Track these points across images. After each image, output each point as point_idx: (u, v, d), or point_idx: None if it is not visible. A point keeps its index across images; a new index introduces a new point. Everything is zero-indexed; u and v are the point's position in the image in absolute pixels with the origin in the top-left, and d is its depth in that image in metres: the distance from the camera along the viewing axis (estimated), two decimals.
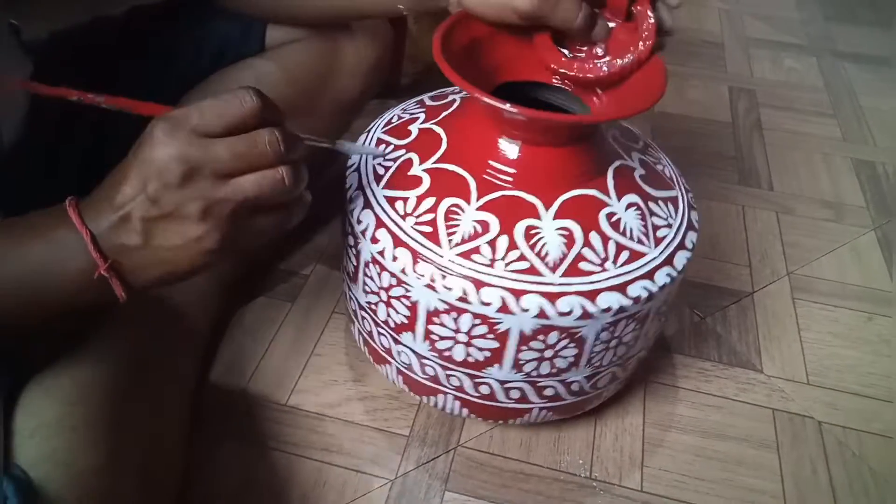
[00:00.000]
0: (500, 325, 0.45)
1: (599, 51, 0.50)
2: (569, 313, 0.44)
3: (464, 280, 0.44)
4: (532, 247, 0.45)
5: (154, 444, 0.47)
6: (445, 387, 0.51)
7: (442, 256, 0.45)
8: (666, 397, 0.63)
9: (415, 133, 0.52)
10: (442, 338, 0.47)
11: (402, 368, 0.53)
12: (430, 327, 0.47)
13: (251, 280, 0.70)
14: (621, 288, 0.45)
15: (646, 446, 0.59)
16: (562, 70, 0.51)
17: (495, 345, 0.46)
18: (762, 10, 1.31)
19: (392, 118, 0.56)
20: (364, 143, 0.54)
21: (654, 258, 0.47)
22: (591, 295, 0.44)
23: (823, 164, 0.93)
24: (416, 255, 0.45)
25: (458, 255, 0.45)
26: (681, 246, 0.48)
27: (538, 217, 0.46)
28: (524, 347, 0.46)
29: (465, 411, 0.53)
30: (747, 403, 0.63)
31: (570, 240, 0.45)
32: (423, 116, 0.54)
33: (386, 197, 0.48)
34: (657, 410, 0.62)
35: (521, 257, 0.44)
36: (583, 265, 0.45)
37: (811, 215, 0.84)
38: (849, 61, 1.16)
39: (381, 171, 0.51)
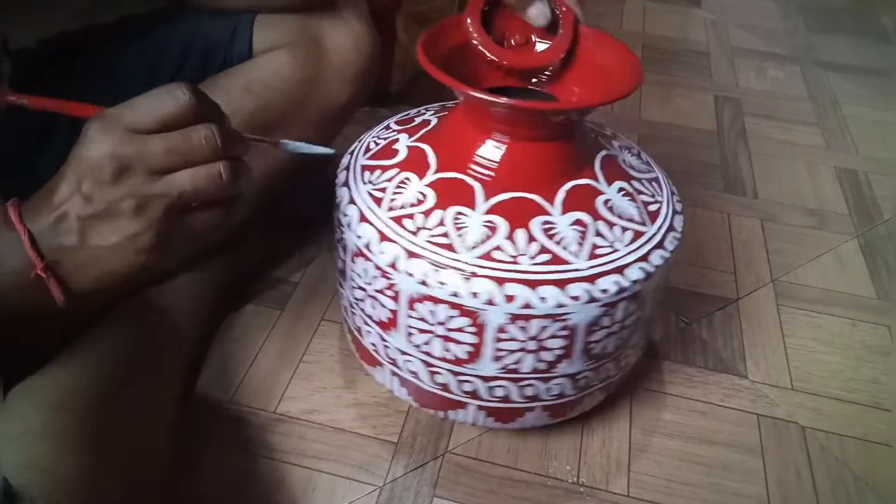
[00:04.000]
0: (569, 318, 0.46)
1: (531, 38, 0.53)
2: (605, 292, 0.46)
3: (490, 282, 0.45)
4: (551, 238, 0.46)
5: (139, 448, 0.47)
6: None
7: (462, 261, 0.45)
8: (652, 403, 0.63)
9: (403, 152, 0.52)
10: (511, 350, 0.48)
11: (397, 371, 0.53)
12: (497, 343, 0.47)
13: (240, 287, 0.70)
14: (641, 260, 0.47)
15: (632, 451, 0.59)
16: (503, 61, 0.52)
17: (564, 343, 0.47)
18: (747, 20, 1.33)
19: (369, 145, 0.56)
20: (351, 165, 0.54)
21: (654, 235, 0.49)
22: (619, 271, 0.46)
23: (807, 172, 0.94)
24: (436, 265, 0.46)
25: (478, 257, 0.45)
26: (671, 228, 0.51)
27: (548, 213, 0.47)
28: (593, 336, 0.48)
29: (544, 416, 0.53)
30: (732, 409, 0.63)
31: (582, 228, 0.47)
32: (405, 136, 0.54)
33: (392, 218, 0.48)
34: (643, 416, 0.62)
35: (543, 250, 0.46)
36: (599, 250, 0.47)
37: (795, 223, 0.85)
38: (832, 71, 1.17)
39: (378, 194, 0.50)
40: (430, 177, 0.49)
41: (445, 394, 0.51)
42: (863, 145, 1.00)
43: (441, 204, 0.48)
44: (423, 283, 0.46)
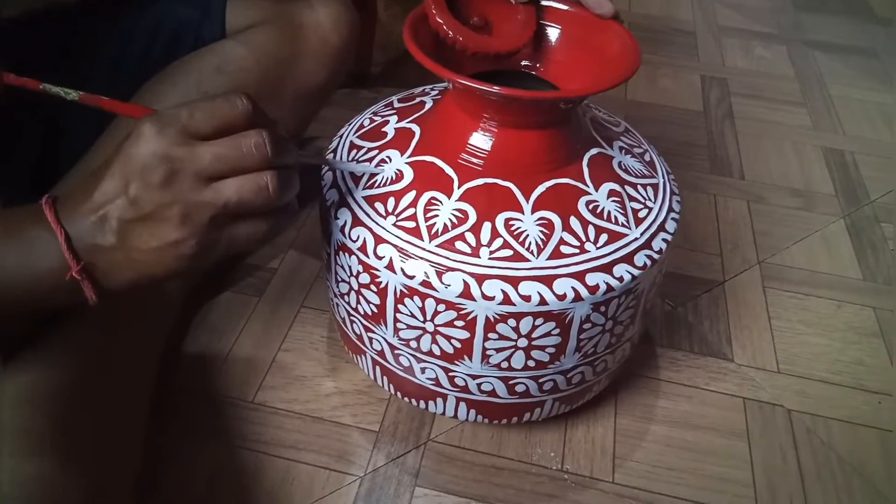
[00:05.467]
0: (567, 315, 0.44)
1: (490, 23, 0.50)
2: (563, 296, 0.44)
3: (458, 273, 0.43)
4: (513, 235, 0.44)
5: (110, 446, 0.45)
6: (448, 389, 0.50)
7: (426, 249, 0.44)
8: (637, 388, 0.63)
9: (391, 133, 0.51)
10: (499, 349, 0.46)
11: (376, 358, 0.52)
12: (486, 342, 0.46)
13: (217, 274, 0.69)
14: (607, 268, 0.45)
15: (617, 437, 0.59)
16: (460, 43, 0.47)
17: (557, 340, 0.46)
18: None
19: (364, 122, 0.55)
20: (339, 148, 0.52)
21: (636, 238, 0.47)
22: (580, 276, 0.44)
23: (794, 152, 0.93)
24: (400, 251, 0.44)
25: (437, 245, 0.44)
26: (661, 229, 0.48)
27: (520, 209, 0.45)
28: (585, 331, 0.46)
29: (475, 415, 0.52)
30: (718, 393, 0.63)
31: (549, 228, 0.45)
32: (395, 119, 0.53)
33: (365, 198, 0.47)
34: (628, 401, 0.61)
35: (505, 245, 0.44)
36: (564, 248, 0.44)
37: (782, 204, 0.85)
38: (818, 50, 1.16)
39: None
40: (406, 158, 0.48)
41: (434, 387, 0.50)
42: (849, 125, 0.99)
43: (415, 185, 0.46)
44: (389, 267, 0.44)
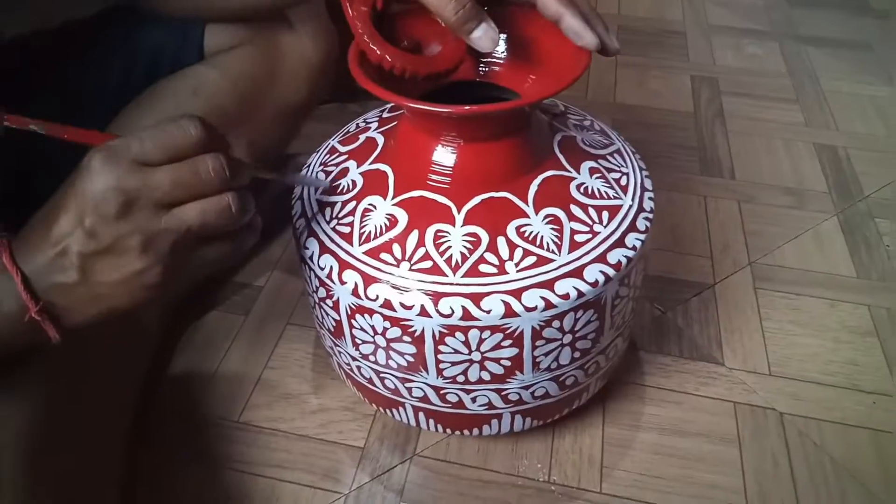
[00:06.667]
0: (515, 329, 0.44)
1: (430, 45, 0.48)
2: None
3: (420, 294, 0.43)
4: (438, 248, 0.44)
5: (88, 465, 0.45)
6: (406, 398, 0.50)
7: (354, 256, 0.44)
8: (625, 395, 0.62)
9: (360, 140, 0.52)
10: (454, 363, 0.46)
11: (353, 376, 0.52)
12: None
13: (203, 293, 0.69)
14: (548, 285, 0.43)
15: (605, 446, 0.58)
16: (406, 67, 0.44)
17: (514, 354, 0.45)
18: None
19: (351, 127, 0.55)
20: (315, 161, 0.53)
21: (563, 265, 0.44)
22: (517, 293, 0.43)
23: (785, 150, 0.92)
24: (339, 260, 0.45)
25: (364, 252, 0.44)
26: (601, 259, 0.45)
27: (451, 221, 0.45)
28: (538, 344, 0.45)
29: (431, 423, 0.52)
30: (708, 398, 0.62)
31: (475, 244, 0.44)
32: (374, 125, 0.53)
33: (318, 201, 0.48)
34: (616, 409, 0.61)
35: (426, 256, 0.43)
36: (483, 267, 0.43)
37: (773, 202, 0.84)
38: (811, 45, 1.15)
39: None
40: (364, 167, 0.49)
41: (397, 398, 0.50)
42: (842, 120, 0.98)
43: (359, 194, 0.47)
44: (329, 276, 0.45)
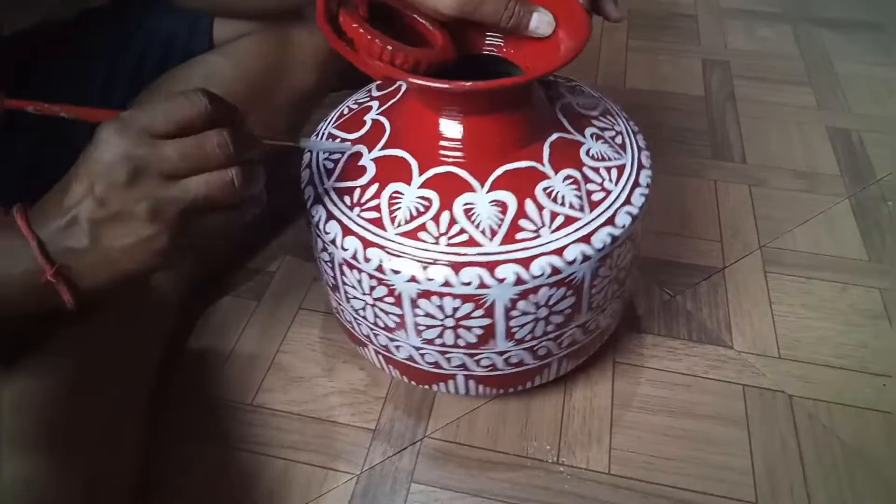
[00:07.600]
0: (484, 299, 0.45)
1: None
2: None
3: (410, 261, 0.44)
4: (470, 220, 0.45)
5: (106, 453, 0.46)
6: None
7: (388, 239, 0.45)
8: (634, 378, 0.62)
9: (368, 124, 0.52)
10: (429, 325, 0.48)
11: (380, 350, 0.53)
12: (417, 315, 0.47)
13: (217, 278, 0.70)
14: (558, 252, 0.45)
15: (614, 428, 0.59)
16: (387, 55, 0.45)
17: (487, 321, 0.47)
18: None
19: (343, 111, 0.56)
20: (321, 139, 0.53)
21: (589, 222, 0.46)
22: (526, 262, 0.44)
23: (797, 133, 0.92)
24: (365, 242, 0.45)
25: (399, 234, 0.45)
26: (610, 222, 0.47)
27: (474, 191, 0.46)
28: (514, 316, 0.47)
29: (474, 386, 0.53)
30: (717, 380, 0.62)
31: (504, 210, 0.45)
32: (375, 105, 0.54)
33: (335, 188, 0.48)
34: (625, 392, 0.61)
35: (462, 231, 0.45)
36: (519, 234, 0.45)
37: (784, 186, 0.83)
38: (824, 27, 1.14)
39: (329, 164, 0.50)
40: (375, 153, 0.49)
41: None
42: (855, 102, 0.97)
43: (379, 178, 0.47)
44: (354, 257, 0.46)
